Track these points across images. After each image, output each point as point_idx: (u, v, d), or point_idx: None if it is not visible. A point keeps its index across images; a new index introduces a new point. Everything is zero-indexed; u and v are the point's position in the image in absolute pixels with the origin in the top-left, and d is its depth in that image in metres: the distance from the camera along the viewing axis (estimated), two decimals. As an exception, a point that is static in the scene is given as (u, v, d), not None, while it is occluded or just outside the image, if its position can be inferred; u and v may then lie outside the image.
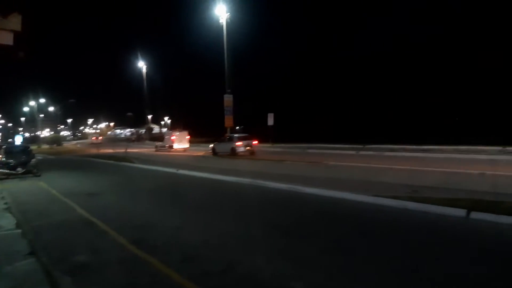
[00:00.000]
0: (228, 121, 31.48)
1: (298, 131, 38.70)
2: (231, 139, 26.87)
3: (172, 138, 37.30)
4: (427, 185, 10.16)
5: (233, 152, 25.80)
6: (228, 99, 31.35)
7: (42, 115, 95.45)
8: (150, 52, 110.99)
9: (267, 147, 33.13)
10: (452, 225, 6.78)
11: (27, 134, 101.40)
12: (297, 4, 68.76)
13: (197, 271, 5.01)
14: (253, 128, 37.70)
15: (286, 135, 36.94)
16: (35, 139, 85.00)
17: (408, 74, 36.80)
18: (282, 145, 33.68)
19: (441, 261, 5.04)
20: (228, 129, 31.05)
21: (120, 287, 4.77)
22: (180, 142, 36.84)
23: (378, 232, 6.59)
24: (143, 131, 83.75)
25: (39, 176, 17.96)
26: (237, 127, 40.00)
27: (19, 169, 17.78)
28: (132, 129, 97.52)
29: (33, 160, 18.80)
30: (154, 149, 40.11)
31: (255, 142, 27.13)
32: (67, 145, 77.94)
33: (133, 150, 40.22)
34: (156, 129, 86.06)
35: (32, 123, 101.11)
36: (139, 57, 60.87)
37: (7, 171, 17.47)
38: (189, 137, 38.69)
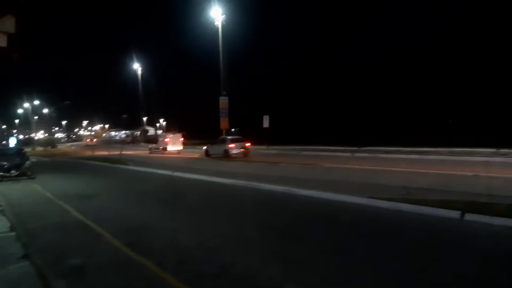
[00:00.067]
0: (224, 123, 31.45)
1: (293, 133, 38.79)
2: (224, 141, 26.96)
3: (166, 140, 37.43)
4: (421, 187, 10.21)
5: (226, 154, 25.89)
6: (223, 101, 31.33)
7: (36, 117, 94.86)
8: (145, 54, 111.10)
9: (263, 149, 33.13)
10: (447, 226, 6.81)
11: (21, 136, 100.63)
12: (295, 5, 68.95)
13: (193, 274, 4.99)
14: (248, 130, 37.76)
15: (282, 137, 36.99)
16: (29, 141, 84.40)
17: (408, 74, 36.94)
18: (278, 147, 33.70)
19: (436, 263, 5.07)
20: (224, 131, 31.02)
21: (114, 290, 4.75)
22: (174, 144, 36.94)
23: (373, 234, 6.61)
24: (138, 133, 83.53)
25: (33, 178, 17.84)
26: (233, 129, 40.06)
27: (13, 171, 17.65)
28: (127, 131, 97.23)
29: (27, 163, 18.67)
30: (148, 151, 40.07)
31: (248, 144, 27.24)
32: (61, 147, 77.47)
33: (128, 152, 40.10)
34: (151, 131, 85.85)
35: (26, 125, 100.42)
36: (135, 58, 60.73)
37: (0, 173, 17.34)
38: (182, 139, 38.85)
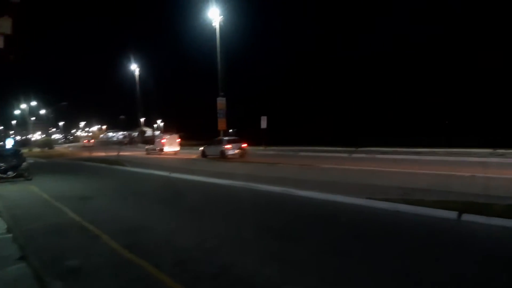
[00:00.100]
0: (221, 124, 31.46)
1: (291, 134, 38.82)
2: (221, 142, 27.02)
3: (163, 141, 37.41)
4: (419, 188, 10.23)
5: (223, 155, 25.98)
6: (221, 102, 31.34)
7: (33, 118, 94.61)
8: (143, 55, 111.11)
9: (260, 150, 33.16)
10: (444, 227, 6.83)
11: (18, 137, 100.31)
12: (292, 6, 68.94)
13: (190, 275, 4.99)
14: (246, 131, 37.77)
15: (280, 138, 37.03)
16: (26, 142, 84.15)
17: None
18: (275, 148, 33.73)
19: (434, 263, 5.08)
20: (221, 132, 31.03)
21: (112, 292, 4.74)
22: (171, 145, 36.96)
23: (371, 234, 6.62)
24: (135, 134, 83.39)
25: (30, 179, 17.79)
26: (230, 130, 40.05)
27: (10, 172, 17.60)
28: (125, 132, 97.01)
29: (24, 164, 18.61)
30: (145, 152, 40.05)
31: (245, 145, 27.35)
32: (58, 148, 77.26)
33: (126, 153, 40.03)
34: (149, 132, 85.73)
35: (23, 126, 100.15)
36: (132, 59, 60.60)
37: (-3, 174, 17.30)
38: (179, 140, 38.85)
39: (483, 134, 23.90)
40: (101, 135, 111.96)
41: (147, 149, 40.57)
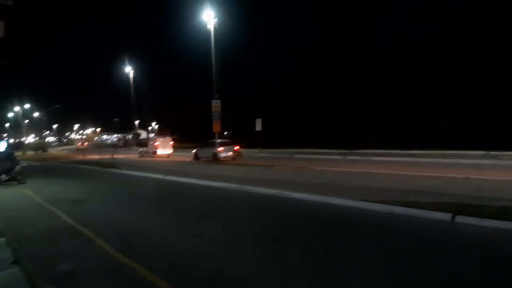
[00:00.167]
0: (216, 126, 31.40)
1: (286, 136, 38.85)
2: (213, 145, 27.13)
3: (156, 144, 37.41)
4: (413, 190, 10.27)
5: (215, 157, 26.12)
6: (215, 104, 31.30)
7: (27, 121, 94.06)
8: (137, 57, 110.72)
9: (255, 152, 33.18)
10: (438, 228, 6.87)
11: (11, 140, 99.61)
12: (290, 7, 68.88)
13: (185, 279, 4.98)
14: (241, 133, 37.76)
15: (275, 140, 37.01)
16: (19, 145, 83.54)
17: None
18: (270, 150, 33.76)
19: (429, 265, 5.10)
20: (216, 135, 30.99)
21: (106, 296, 4.72)
22: (164, 148, 36.99)
23: (366, 237, 6.64)
24: (130, 136, 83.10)
25: (23, 183, 17.67)
26: (225, 132, 40.00)
27: (3, 176, 17.48)
28: (119, 135, 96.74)
29: (18, 167, 18.50)
30: (138, 155, 39.96)
31: (237, 147, 27.61)
32: (52, 151, 76.77)
33: (120, 156, 39.89)
34: (143, 134, 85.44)
35: (16, 129, 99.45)
36: (126, 62, 60.38)
37: (-10, 178, 17.18)
38: (172, 143, 38.91)
39: (477, 135, 24.02)
40: (95, 138, 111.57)
41: (140, 152, 40.51)
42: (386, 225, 7.33)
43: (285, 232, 7.26)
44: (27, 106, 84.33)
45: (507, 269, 4.94)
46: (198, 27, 32.45)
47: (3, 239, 7.26)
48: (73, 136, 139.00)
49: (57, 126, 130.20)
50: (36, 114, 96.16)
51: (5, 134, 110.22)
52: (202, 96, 43.39)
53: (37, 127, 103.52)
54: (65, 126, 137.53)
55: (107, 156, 35.93)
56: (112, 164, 26.18)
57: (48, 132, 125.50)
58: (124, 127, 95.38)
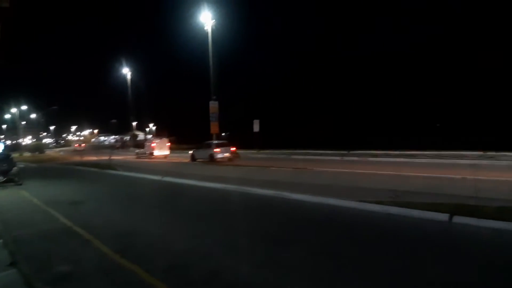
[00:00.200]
0: (214, 127, 31.44)
1: (284, 137, 38.85)
2: (210, 146, 27.23)
3: (153, 145, 37.46)
4: (410, 190, 10.28)
5: (212, 158, 26.26)
6: (213, 105, 31.33)
7: (24, 122, 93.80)
8: (135, 58, 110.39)
9: (253, 153, 33.19)
10: (435, 229, 6.88)
11: (8, 142, 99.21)
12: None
13: (183, 280, 4.97)
14: (239, 134, 37.76)
15: (273, 141, 37.03)
16: (16, 147, 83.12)
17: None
18: (268, 151, 33.77)
19: (427, 265, 5.11)
20: (214, 136, 31.01)
21: (103, 297, 4.71)
22: (161, 149, 37.06)
23: (364, 237, 6.65)
24: (127, 138, 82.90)
25: (20, 184, 17.62)
26: (223, 134, 40.01)
27: (0, 177, 17.42)
28: (117, 136, 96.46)
29: (15, 169, 18.43)
30: (135, 156, 39.95)
31: (233, 148, 27.84)
32: (49, 152, 76.50)
33: (117, 157, 39.72)
34: (141, 136, 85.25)
35: (13, 130, 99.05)
36: (124, 63, 60.33)
37: (-13, 180, 17.12)
38: (169, 144, 38.98)
39: (474, 135, 24.06)
40: (93, 139, 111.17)
41: (137, 153, 40.54)
42: (384, 225, 7.34)
43: (284, 232, 7.25)
44: (24, 107, 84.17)
45: (504, 270, 4.96)
46: (196, 29, 32.50)
47: (0, 241, 7.24)
48: (70, 137, 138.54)
49: (54, 128, 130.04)
50: (33, 116, 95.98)
51: (2, 136, 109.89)
52: (200, 98, 43.44)
53: (34, 128, 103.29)
54: (63, 128, 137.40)
55: (104, 158, 35.78)
56: (109, 165, 26.10)
57: (45, 133, 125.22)
58: (122, 128, 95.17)
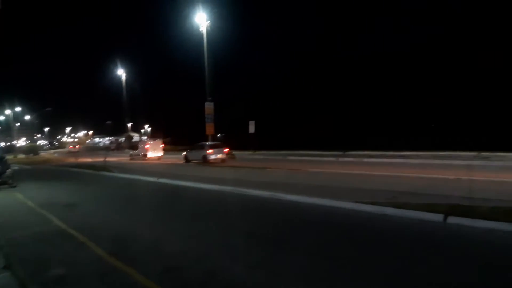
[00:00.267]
0: (209, 128, 31.44)
1: (280, 138, 38.85)
2: (203, 147, 27.29)
3: (146, 146, 37.49)
4: (405, 191, 10.33)
5: (205, 160, 26.34)
6: (208, 106, 31.33)
7: (18, 124, 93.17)
8: (130, 59, 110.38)
9: (249, 154, 33.20)
10: (430, 229, 6.91)
11: (2, 144, 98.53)
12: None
13: (178, 283, 4.96)
14: (236, 135, 37.74)
15: (268, 142, 37.04)
16: (10, 149, 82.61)
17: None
18: (264, 152, 33.78)
19: (423, 266, 5.13)
20: (209, 137, 31.00)
21: (98, 300, 4.69)
22: (154, 151, 37.13)
23: (359, 238, 6.66)
24: (122, 139, 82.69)
25: (14, 187, 17.51)
26: (219, 135, 40.02)
27: (-6, 180, 17.31)
28: (112, 138, 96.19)
29: (9, 171, 18.30)
30: (129, 158, 39.90)
31: (226, 150, 27.97)
32: (44, 154, 76.14)
33: (112, 159, 39.64)
34: (136, 137, 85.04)
35: (7, 132, 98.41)
36: (119, 64, 60.15)
37: (-19, 182, 17.00)
38: (163, 145, 39.12)
39: (469, 136, 24.16)
40: (88, 141, 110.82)
41: (131, 155, 40.52)
42: (379, 226, 7.36)
43: (280, 233, 7.25)
44: (18, 109, 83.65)
45: (499, 269, 4.98)
46: (191, 30, 32.47)
47: (-6, 244, 7.19)
48: (65, 139, 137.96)
49: (49, 129, 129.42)
50: (27, 117, 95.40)
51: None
52: (195, 99, 43.33)
53: (29, 130, 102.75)
54: (57, 129, 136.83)
55: (99, 159, 35.68)
56: (104, 167, 26.02)
57: (39, 135, 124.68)
58: (117, 129, 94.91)
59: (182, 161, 29.50)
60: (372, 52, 42.35)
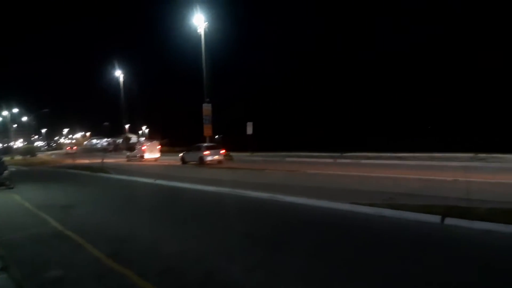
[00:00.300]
0: (207, 130, 31.39)
1: (278, 140, 38.89)
2: (199, 149, 27.31)
3: (143, 148, 37.47)
4: (402, 192, 10.35)
5: (201, 161, 26.35)
6: (206, 108, 31.28)
7: (15, 125, 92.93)
8: (127, 61, 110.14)
9: (246, 156, 33.17)
10: (428, 231, 6.91)
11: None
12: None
13: (176, 284, 4.96)
14: (234, 136, 37.71)
15: (266, 144, 37.06)
16: (8, 150, 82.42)
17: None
18: (262, 153, 33.76)
19: (420, 267, 5.13)
20: (207, 138, 30.97)
21: (96, 302, 4.67)
22: (151, 152, 37.15)
23: (357, 240, 6.66)
24: (120, 141, 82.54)
25: (12, 188, 17.46)
26: (216, 136, 39.97)
27: (-10, 181, 17.27)
28: (109, 139, 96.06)
29: (6, 172, 18.27)
30: (125, 159, 39.85)
31: (223, 151, 27.96)
32: (41, 155, 75.90)
33: (110, 160, 39.60)
34: (133, 138, 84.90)
35: (4, 133, 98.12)
36: (116, 65, 59.98)
37: (-22, 184, 16.96)
38: (160, 147, 39.27)
39: (466, 137, 24.22)
40: (85, 142, 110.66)
41: (128, 156, 40.47)
42: (377, 228, 7.37)
43: (278, 235, 7.25)
44: (15, 110, 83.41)
45: (496, 270, 4.99)
46: (189, 31, 32.44)
47: (-10, 246, 7.17)
48: (62, 140, 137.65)
49: (46, 131, 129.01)
50: (24, 119, 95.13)
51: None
52: (193, 100, 43.33)
53: (26, 131, 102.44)
54: (54, 131, 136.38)
55: (97, 161, 35.64)
56: (101, 168, 25.97)
57: (37, 136, 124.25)
58: (114, 131, 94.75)
59: (179, 163, 29.48)
60: (372, 52, 42.45)
